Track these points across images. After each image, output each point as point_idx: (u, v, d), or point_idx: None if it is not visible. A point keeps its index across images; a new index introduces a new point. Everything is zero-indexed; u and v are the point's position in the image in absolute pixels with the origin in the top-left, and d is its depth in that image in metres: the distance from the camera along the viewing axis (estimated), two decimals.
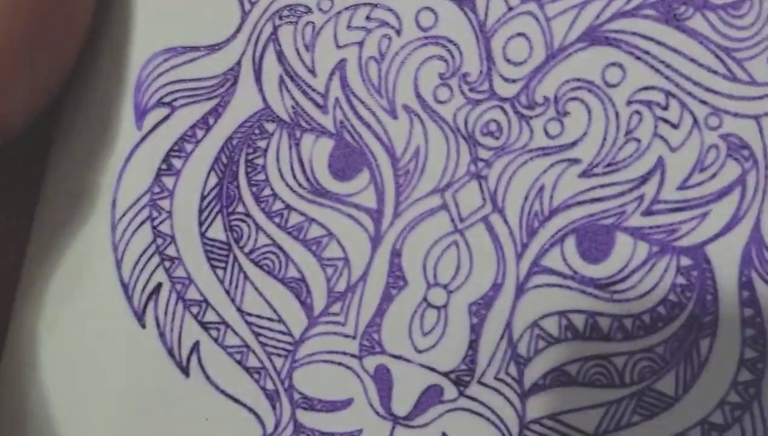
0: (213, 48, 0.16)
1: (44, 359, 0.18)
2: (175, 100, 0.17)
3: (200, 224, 0.17)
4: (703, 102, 0.15)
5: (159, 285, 0.17)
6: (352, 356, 0.17)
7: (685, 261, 0.16)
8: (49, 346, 0.18)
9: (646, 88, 0.15)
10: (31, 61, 0.16)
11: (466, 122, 0.16)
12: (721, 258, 0.15)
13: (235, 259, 0.17)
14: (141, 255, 0.17)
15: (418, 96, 0.16)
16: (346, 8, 0.16)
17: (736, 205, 0.15)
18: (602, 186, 0.16)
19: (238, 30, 0.16)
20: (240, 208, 0.17)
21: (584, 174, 0.16)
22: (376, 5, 0.16)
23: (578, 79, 0.15)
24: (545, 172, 0.16)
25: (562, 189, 0.16)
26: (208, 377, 0.17)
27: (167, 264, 0.17)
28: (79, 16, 0.16)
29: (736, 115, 0.15)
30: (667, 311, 0.16)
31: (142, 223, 0.17)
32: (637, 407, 0.16)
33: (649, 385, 0.16)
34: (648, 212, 0.16)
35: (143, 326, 0.17)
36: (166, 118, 0.17)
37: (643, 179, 0.16)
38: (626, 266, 0.16)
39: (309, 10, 0.16)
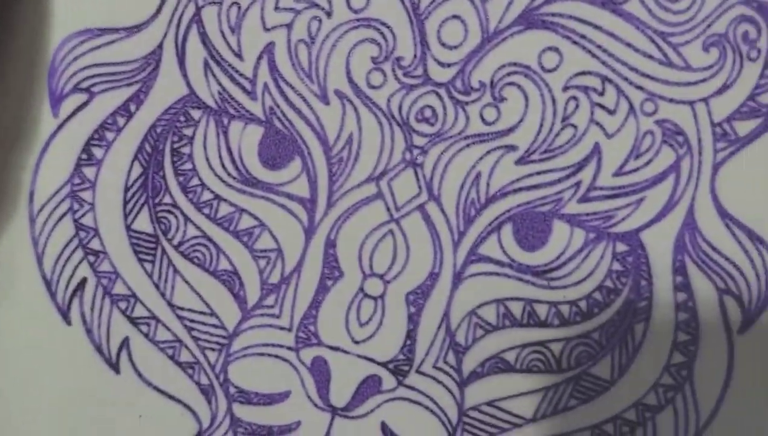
0: (132, 30, 0.15)
1: None
2: (93, 85, 0.16)
3: (125, 216, 0.16)
4: (639, 87, 0.15)
5: (84, 280, 0.16)
6: (288, 348, 0.16)
7: (621, 247, 0.16)
8: None
9: (582, 73, 0.15)
10: None
11: (400, 108, 0.15)
12: (655, 244, 0.15)
13: (164, 251, 0.16)
14: (63, 249, 0.16)
15: (351, 81, 0.15)
16: None
17: (670, 192, 0.15)
18: (539, 173, 0.15)
19: (158, 10, 0.15)
20: (167, 199, 0.16)
21: (521, 161, 0.15)
22: None
23: (515, 64, 0.15)
24: (482, 159, 0.15)
25: (498, 176, 0.15)
26: (139, 374, 0.17)
27: (91, 258, 0.16)
28: None
29: (671, 100, 0.15)
30: (603, 297, 0.16)
31: (63, 216, 0.16)
32: (574, 391, 0.16)
33: (586, 370, 0.16)
34: (584, 199, 0.15)
35: (69, 323, 0.17)
36: (85, 104, 0.16)
37: (580, 166, 0.15)
38: (563, 253, 0.16)
39: None
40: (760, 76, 0.15)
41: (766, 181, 0.15)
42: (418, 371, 0.16)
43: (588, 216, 0.16)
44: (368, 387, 0.17)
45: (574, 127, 0.15)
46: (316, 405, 0.17)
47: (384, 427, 0.17)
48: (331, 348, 0.16)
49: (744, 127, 0.15)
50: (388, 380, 0.16)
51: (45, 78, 0.16)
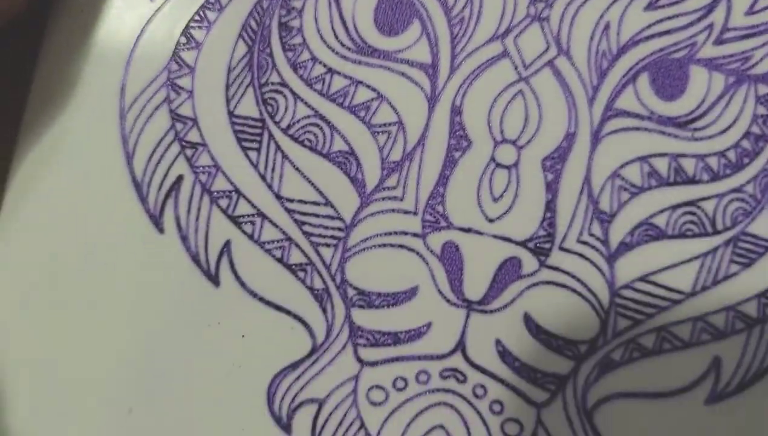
0: None
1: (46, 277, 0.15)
2: None
3: (228, 101, 0.15)
4: None
5: (179, 179, 0.15)
6: (414, 235, 0.15)
7: (764, 89, 0.15)
8: (51, 265, 0.15)
9: None
10: None
11: None
12: None
13: (271, 137, 0.15)
14: (157, 146, 0.15)
15: None
16: None
17: None
18: (670, 18, 0.15)
19: None
20: (274, 78, 0.15)
21: (650, 6, 0.15)
22: None
23: None
24: (609, 7, 0.15)
25: (628, 24, 0.15)
26: (242, 284, 0.15)
27: (189, 152, 0.15)
28: None
29: None
30: (751, 145, 0.15)
31: (158, 107, 0.15)
32: (734, 255, 0.15)
33: (744, 229, 0.15)
34: (719, 41, 0.15)
35: (161, 231, 0.15)
36: None
37: (710, 8, 0.15)
38: (704, 101, 0.15)
39: None
40: None
41: None
42: (561, 248, 0.15)
43: (725, 59, 0.15)
44: (507, 273, 0.15)
45: None
46: (448, 301, 0.15)
47: (527, 319, 0.15)
48: (463, 230, 0.15)
49: None
50: (529, 262, 0.15)
51: None
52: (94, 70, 0.15)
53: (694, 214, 0.15)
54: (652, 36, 0.15)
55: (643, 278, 0.15)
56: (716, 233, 0.15)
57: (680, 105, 0.15)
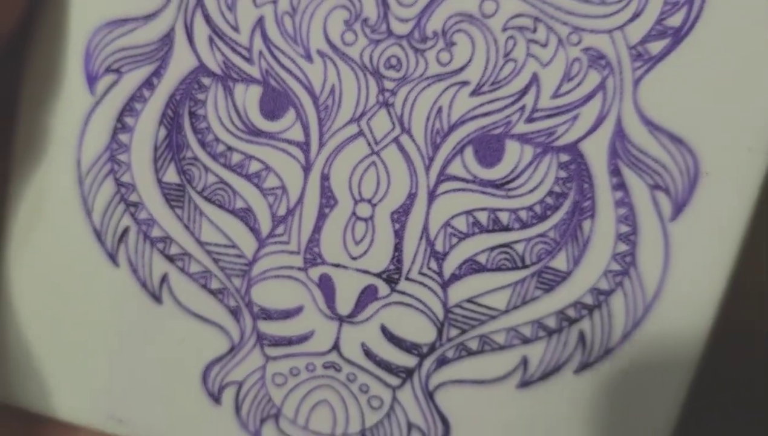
0: (149, 17, 0.19)
1: (22, 305, 0.21)
2: (121, 66, 0.19)
3: (156, 171, 0.20)
4: (565, 23, 0.18)
5: (126, 229, 0.20)
6: (299, 268, 0.20)
7: (564, 157, 0.19)
8: (28, 294, 0.20)
9: (517, 16, 0.18)
10: None
11: (371, 59, 0.18)
12: (592, 152, 0.18)
13: (190, 198, 0.20)
14: (108, 204, 0.20)
15: (329, 41, 0.18)
16: None
17: (599, 107, 0.18)
18: (490, 102, 0.18)
19: (168, 0, 0.19)
20: (189, 154, 0.19)
21: (474, 93, 0.18)
22: None
23: (460, 14, 0.18)
24: (441, 95, 0.18)
25: (457, 108, 0.18)
26: (178, 302, 0.20)
27: (132, 209, 0.20)
28: None
29: (592, 31, 0.18)
30: (553, 201, 0.19)
31: (106, 176, 0.20)
32: (538, 283, 0.19)
33: (546, 264, 0.19)
34: (529, 120, 0.18)
35: (117, 266, 0.20)
36: (115, 83, 0.19)
37: (523, 93, 0.18)
38: (516, 167, 0.19)
39: None
40: (663, 3, 0.18)
41: (680, 91, 0.18)
42: (407, 278, 0.19)
43: (534, 134, 0.19)
44: (367, 296, 0.20)
45: (515, 60, 0.18)
46: (325, 315, 0.20)
47: (383, 329, 0.20)
48: (334, 265, 0.20)
49: (655, 47, 0.18)
50: (383, 288, 0.20)
51: (80, 64, 0.19)
52: (57, 147, 0.20)
53: (507, 253, 0.19)
54: (476, 117, 0.19)
55: (469, 300, 0.20)
56: (525, 267, 0.19)
57: (498, 171, 0.19)
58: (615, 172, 0.19)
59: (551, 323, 0.19)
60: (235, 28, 0.19)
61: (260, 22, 0.19)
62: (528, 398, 0.20)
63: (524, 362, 0.20)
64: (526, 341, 0.20)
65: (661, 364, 0.19)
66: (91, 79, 0.19)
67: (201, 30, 0.19)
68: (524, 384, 0.20)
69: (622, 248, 0.19)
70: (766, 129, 0.18)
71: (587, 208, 0.19)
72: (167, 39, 0.19)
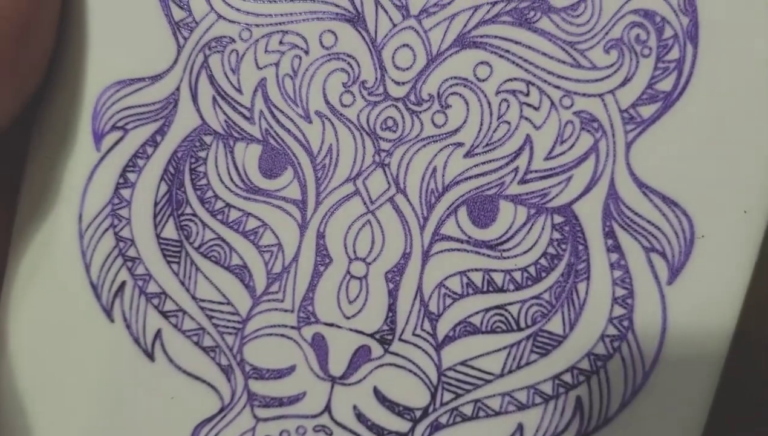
0: (156, 78, 0.19)
1: (19, 355, 0.20)
2: (127, 124, 0.20)
3: (155, 227, 0.20)
4: (557, 87, 0.18)
5: (123, 283, 0.20)
6: (292, 327, 0.20)
7: (558, 219, 0.19)
8: (25, 344, 0.20)
9: (510, 80, 0.18)
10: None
11: (368, 121, 0.19)
12: (586, 213, 0.18)
13: (187, 254, 0.20)
14: (106, 259, 0.20)
15: (327, 103, 0.19)
16: (263, 36, 0.19)
17: (593, 169, 0.18)
18: (483, 163, 0.19)
19: (175, 62, 0.19)
20: (188, 210, 0.20)
21: (468, 154, 0.19)
22: (286, 32, 0.19)
23: (455, 78, 0.19)
24: (436, 155, 0.19)
25: (451, 168, 0.19)
26: (170, 360, 0.20)
27: (129, 264, 0.20)
28: (43, 43, 0.19)
29: (584, 95, 0.18)
30: (548, 262, 0.19)
31: (106, 230, 0.20)
32: (533, 346, 0.19)
33: (541, 327, 0.19)
34: (523, 181, 0.19)
35: (112, 321, 0.20)
36: (120, 139, 0.20)
37: (516, 154, 0.19)
38: (510, 228, 0.19)
39: (233, 40, 0.19)
40: (654, 69, 0.18)
41: (672, 153, 0.18)
42: (400, 339, 0.19)
43: (527, 195, 0.19)
44: (360, 357, 0.19)
45: (508, 123, 0.18)
46: (317, 376, 0.19)
47: (376, 391, 0.19)
48: (327, 324, 0.19)
49: (647, 111, 0.18)
50: (376, 349, 0.19)
51: (88, 121, 0.20)
52: (61, 200, 0.20)
53: (502, 315, 0.19)
54: (470, 177, 0.19)
55: (463, 363, 0.19)
56: (520, 329, 0.19)
57: (492, 231, 0.19)
58: (610, 234, 0.19)
59: (547, 388, 0.19)
60: (238, 90, 0.19)
61: (262, 83, 0.19)
62: None
63: (520, 429, 0.19)
64: (521, 407, 0.19)
65: (662, 433, 0.19)
66: (98, 136, 0.20)
67: (205, 90, 0.19)
68: None
69: (619, 311, 0.19)
70: (761, 191, 0.18)
71: (582, 271, 0.19)
72: (172, 98, 0.20)
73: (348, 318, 0.19)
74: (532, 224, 0.19)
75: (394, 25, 0.19)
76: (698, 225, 0.18)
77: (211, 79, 0.20)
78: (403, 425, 0.19)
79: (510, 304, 0.19)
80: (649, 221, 0.18)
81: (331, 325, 0.19)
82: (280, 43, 0.19)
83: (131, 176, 0.20)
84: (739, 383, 0.20)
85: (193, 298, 0.20)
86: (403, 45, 0.19)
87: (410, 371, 0.19)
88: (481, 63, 0.19)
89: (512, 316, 0.19)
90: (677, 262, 0.18)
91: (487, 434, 0.19)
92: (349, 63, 0.19)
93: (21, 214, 0.21)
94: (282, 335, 0.20)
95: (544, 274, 0.19)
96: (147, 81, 0.20)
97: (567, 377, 0.19)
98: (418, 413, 0.19)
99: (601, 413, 0.19)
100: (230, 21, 0.19)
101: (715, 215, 0.18)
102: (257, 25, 0.19)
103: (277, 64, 0.19)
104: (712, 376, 0.18)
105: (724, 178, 0.18)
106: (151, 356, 0.20)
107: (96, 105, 0.20)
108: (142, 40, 0.19)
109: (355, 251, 0.19)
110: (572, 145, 0.18)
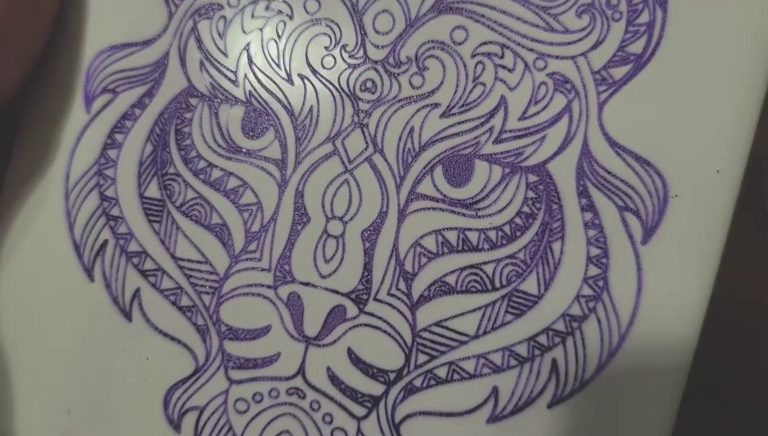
0: (147, 43, 0.20)
1: (3, 311, 0.20)
2: (117, 87, 0.20)
3: (139, 186, 0.20)
4: (531, 50, 0.19)
5: (105, 242, 0.20)
6: (268, 287, 0.20)
7: (532, 178, 0.19)
8: (10, 301, 0.21)
9: (485, 43, 0.19)
10: (12, 43, 0.19)
11: (348, 82, 0.19)
12: (560, 173, 0.19)
13: (169, 213, 0.20)
14: (90, 218, 0.20)
15: (309, 65, 0.20)
16: (250, 3, 0.20)
17: (566, 129, 0.19)
18: (459, 123, 0.19)
19: (166, 27, 0.20)
20: (172, 170, 0.20)
21: (444, 115, 0.19)
22: None
23: (432, 41, 0.19)
24: (413, 116, 0.19)
25: (428, 129, 0.19)
26: (147, 320, 0.20)
27: (112, 223, 0.20)
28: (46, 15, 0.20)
29: (557, 57, 0.19)
30: (522, 221, 0.19)
31: (91, 190, 0.20)
32: (508, 307, 0.19)
33: (516, 286, 0.19)
34: (498, 141, 0.19)
35: (92, 280, 0.20)
36: (110, 102, 0.20)
37: (491, 115, 0.19)
38: (485, 187, 0.19)
39: (221, 7, 0.20)
40: (624, 32, 0.18)
41: (644, 113, 0.18)
42: (375, 299, 0.19)
43: (502, 154, 0.19)
44: (335, 317, 0.19)
45: (483, 84, 0.19)
46: (292, 336, 0.19)
47: (350, 352, 0.19)
48: (303, 284, 0.19)
49: (619, 72, 0.18)
50: (351, 309, 0.19)
51: (80, 84, 0.20)
52: (49, 161, 0.21)
53: (477, 275, 0.19)
54: (446, 137, 0.19)
55: (437, 324, 0.19)
56: (495, 289, 0.19)
57: (467, 190, 0.19)
58: (583, 193, 0.19)
59: (522, 350, 0.19)
60: (224, 53, 0.20)
61: (247, 47, 0.20)
62: (499, 433, 0.19)
63: (495, 392, 0.19)
64: (496, 369, 0.19)
65: (639, 397, 0.18)
66: (89, 99, 0.20)
67: (193, 54, 0.20)
68: (495, 419, 0.19)
69: (594, 271, 0.18)
70: (733, 150, 0.18)
71: (557, 230, 0.19)
72: (162, 62, 0.20)
73: (324, 277, 0.19)
74: (507, 183, 0.19)
75: None
76: (672, 184, 0.18)
77: (200, 43, 0.20)
78: (377, 388, 0.19)
79: (485, 263, 0.19)
80: (622, 180, 0.18)
81: (307, 284, 0.19)
82: (266, 9, 0.20)
83: (119, 137, 0.21)
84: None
85: (173, 257, 0.20)
86: (384, 11, 0.19)
87: (385, 331, 0.19)
88: (458, 27, 0.19)
89: (487, 275, 0.19)
90: (651, 221, 0.18)
91: (462, 398, 0.19)
92: (331, 27, 0.20)
93: (12, 174, 0.21)
94: (258, 295, 0.20)
95: (518, 233, 0.19)
96: (139, 46, 0.20)
97: (542, 339, 0.19)
98: (392, 376, 0.19)
99: (577, 377, 0.18)
100: None
101: (689, 175, 0.18)
102: None
103: (262, 29, 0.20)
104: (690, 338, 0.18)
105: (697, 138, 0.18)
106: (128, 315, 0.20)
107: (89, 69, 0.21)
108: (135, 6, 0.20)
109: (332, 210, 0.19)
110: (546, 106, 0.19)
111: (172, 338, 0.20)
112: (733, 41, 0.18)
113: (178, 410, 0.20)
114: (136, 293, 0.20)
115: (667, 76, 0.18)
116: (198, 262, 0.20)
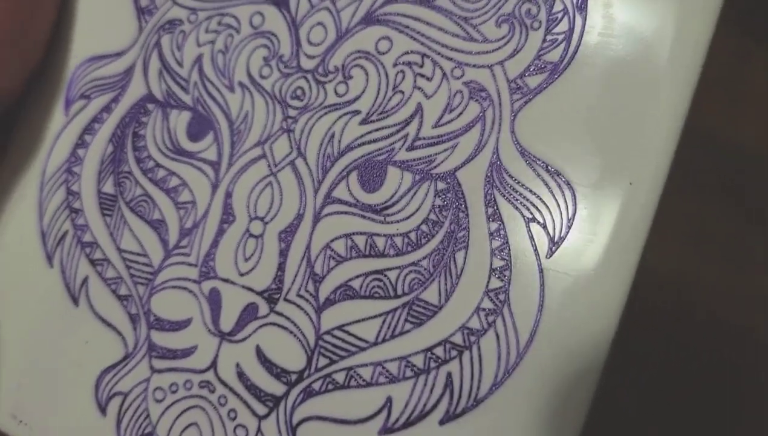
0: (119, 54, 0.22)
1: None
2: (92, 93, 0.23)
3: (98, 182, 0.22)
4: (449, 58, 0.19)
5: (65, 232, 0.22)
6: (194, 281, 0.20)
7: (441, 185, 0.18)
8: None
9: (407, 53, 0.19)
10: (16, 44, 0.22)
11: (280, 90, 0.20)
12: (468, 181, 0.18)
13: (119, 207, 0.22)
14: (57, 209, 0.22)
15: (249, 74, 0.21)
16: (206, 19, 0.22)
17: (478, 137, 0.18)
18: (377, 130, 0.19)
19: (135, 41, 0.22)
20: (126, 168, 0.22)
21: (363, 121, 0.19)
22: (224, 15, 0.21)
23: (359, 51, 0.20)
24: (335, 122, 0.20)
25: (347, 135, 0.19)
26: (91, 306, 0.21)
27: (73, 215, 0.22)
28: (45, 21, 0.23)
29: (474, 66, 0.18)
30: (428, 229, 0.18)
31: (61, 185, 0.22)
32: (408, 315, 0.18)
33: (417, 295, 0.18)
34: (411, 148, 0.19)
35: (51, 266, 0.22)
36: (84, 107, 0.23)
37: (407, 122, 0.19)
38: (396, 193, 0.19)
39: (182, 22, 0.22)
40: (542, 41, 0.18)
41: (556, 123, 0.17)
42: (285, 299, 0.19)
43: (414, 161, 0.19)
44: (248, 314, 0.20)
45: (402, 92, 0.19)
46: (209, 331, 0.20)
47: (258, 350, 0.19)
48: (223, 280, 0.20)
49: (534, 81, 0.18)
50: (263, 307, 0.19)
51: (63, 90, 0.23)
52: (33, 157, 0.23)
53: (381, 281, 0.18)
54: (363, 143, 0.19)
55: (339, 327, 0.19)
56: (396, 297, 0.18)
57: (378, 196, 0.19)
58: (491, 202, 0.18)
59: (419, 362, 0.18)
60: (180, 63, 0.22)
61: (199, 58, 0.21)
62: None
63: (389, 403, 0.18)
64: (392, 379, 0.18)
65: (536, 419, 0.17)
66: (68, 104, 0.23)
67: (154, 64, 0.22)
68: (386, 431, 0.18)
69: (496, 283, 0.18)
70: (646, 163, 0.17)
71: (462, 239, 0.18)
72: (129, 71, 0.22)
73: (242, 275, 0.20)
74: (416, 190, 0.19)
75: (312, 6, 0.21)
76: (581, 197, 0.17)
77: (161, 55, 0.22)
78: (279, 388, 0.19)
79: (389, 269, 0.18)
80: (531, 191, 0.18)
81: (227, 281, 0.20)
82: (219, 24, 0.21)
83: (87, 138, 0.22)
84: None
85: (118, 248, 0.22)
86: (318, 23, 0.20)
87: (291, 332, 0.19)
88: (383, 38, 0.20)
89: (390, 282, 0.18)
90: (558, 234, 0.17)
91: (357, 406, 0.18)
92: (271, 40, 0.21)
93: (4, 168, 0.24)
94: (184, 288, 0.20)
95: (424, 240, 0.18)
96: (113, 57, 0.23)
97: (439, 351, 0.18)
98: (293, 377, 0.19)
99: (471, 393, 0.17)
100: (182, 6, 0.22)
101: (600, 187, 0.17)
102: (203, 10, 0.22)
103: (213, 42, 0.21)
104: (595, 362, 0.17)
105: (609, 150, 0.17)
106: (76, 301, 0.22)
107: (72, 76, 0.23)
108: (112, 21, 0.23)
109: (255, 211, 0.20)
110: (460, 114, 0.18)
111: (109, 325, 0.21)
112: (653, 49, 0.17)
113: (106, 394, 0.21)
114: (85, 281, 0.22)
115: (580, 86, 0.18)
116: (138, 254, 0.21)
